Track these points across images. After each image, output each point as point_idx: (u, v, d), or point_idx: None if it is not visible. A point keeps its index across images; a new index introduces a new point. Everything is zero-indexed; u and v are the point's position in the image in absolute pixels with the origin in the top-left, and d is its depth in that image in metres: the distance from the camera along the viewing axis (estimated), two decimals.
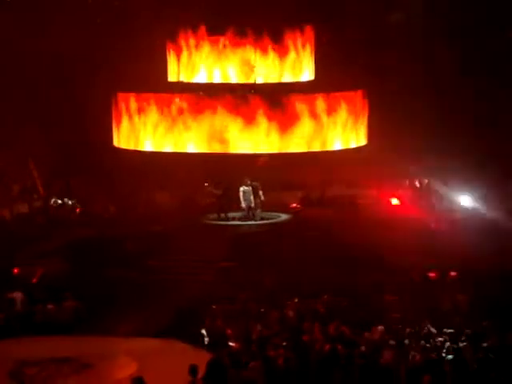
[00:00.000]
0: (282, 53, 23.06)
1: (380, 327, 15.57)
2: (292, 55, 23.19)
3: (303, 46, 23.36)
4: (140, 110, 22.42)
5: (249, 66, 22.58)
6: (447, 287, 18.30)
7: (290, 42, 23.08)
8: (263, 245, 21.79)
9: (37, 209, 25.83)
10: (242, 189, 23.75)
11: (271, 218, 24.20)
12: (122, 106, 22.89)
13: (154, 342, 16.88)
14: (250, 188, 23.81)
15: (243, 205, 23.83)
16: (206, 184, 24.57)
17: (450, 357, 13.97)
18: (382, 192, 26.24)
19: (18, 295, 18.48)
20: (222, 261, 21.00)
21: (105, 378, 15.05)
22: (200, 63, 23.06)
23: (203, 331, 16.43)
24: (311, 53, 23.82)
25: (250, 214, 23.92)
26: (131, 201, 26.15)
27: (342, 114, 22.51)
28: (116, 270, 20.58)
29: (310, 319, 16.38)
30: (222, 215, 24.23)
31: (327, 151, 22.65)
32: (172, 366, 14.95)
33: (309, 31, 23.60)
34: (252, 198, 23.75)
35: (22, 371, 15.38)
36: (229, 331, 16.17)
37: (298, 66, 23.47)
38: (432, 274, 19.05)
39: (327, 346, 14.60)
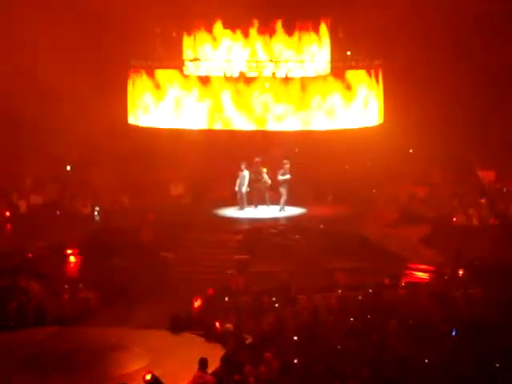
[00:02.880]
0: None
1: (393, 321, 15.53)
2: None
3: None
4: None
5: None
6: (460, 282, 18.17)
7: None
8: (277, 238, 21.77)
9: (51, 201, 25.86)
10: (240, 173, 23.21)
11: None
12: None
13: (166, 335, 16.89)
14: (246, 173, 23.41)
15: (237, 189, 23.37)
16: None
17: None
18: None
19: (33, 285, 18.59)
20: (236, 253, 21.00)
21: (117, 370, 15.06)
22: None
23: (216, 324, 16.45)
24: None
25: (242, 202, 23.44)
26: (144, 192, 26.07)
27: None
28: (129, 262, 20.61)
29: (324, 313, 16.39)
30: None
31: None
32: (184, 360, 14.96)
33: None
34: (245, 184, 23.23)
35: (36, 361, 15.48)
36: (242, 325, 16.17)
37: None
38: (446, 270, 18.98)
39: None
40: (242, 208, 23.74)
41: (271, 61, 22.08)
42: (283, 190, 23.43)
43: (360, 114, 22.73)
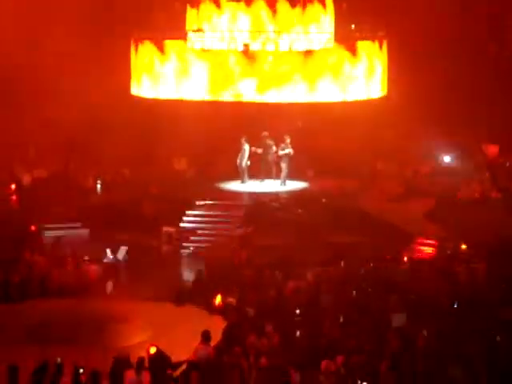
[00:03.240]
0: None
1: (393, 296, 15.59)
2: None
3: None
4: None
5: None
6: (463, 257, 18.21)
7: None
8: (279, 211, 21.81)
9: (55, 173, 25.81)
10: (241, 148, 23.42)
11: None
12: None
13: (169, 308, 16.97)
14: (246, 147, 23.46)
15: (238, 163, 23.55)
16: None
17: None
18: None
19: (39, 258, 18.68)
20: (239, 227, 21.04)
21: (120, 342, 15.14)
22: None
23: (219, 297, 16.51)
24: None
25: (243, 175, 23.66)
26: (147, 165, 26.01)
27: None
28: (133, 235, 20.66)
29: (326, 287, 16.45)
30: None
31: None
32: (187, 332, 15.03)
33: None
34: (246, 157, 23.40)
35: (40, 332, 15.58)
36: (244, 298, 16.23)
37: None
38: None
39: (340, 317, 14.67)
40: (243, 182, 23.87)
41: (275, 32, 21.92)
42: (284, 165, 23.48)
43: (365, 86, 22.68)
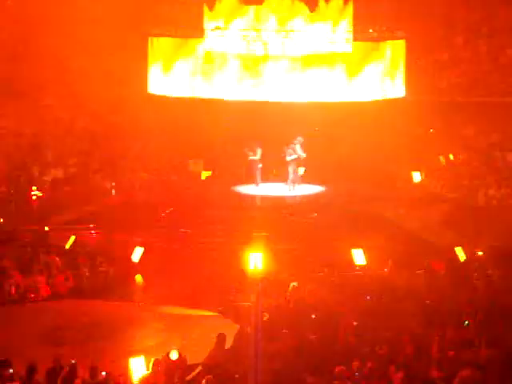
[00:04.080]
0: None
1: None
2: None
3: None
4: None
5: None
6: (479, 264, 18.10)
7: None
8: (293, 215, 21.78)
9: (72, 175, 25.90)
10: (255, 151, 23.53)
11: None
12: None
13: (184, 310, 16.98)
14: (259, 150, 23.41)
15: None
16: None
17: None
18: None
19: (52, 259, 18.73)
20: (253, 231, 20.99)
21: (135, 344, 15.16)
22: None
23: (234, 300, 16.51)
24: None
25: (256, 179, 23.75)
26: (163, 168, 26.07)
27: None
28: (148, 237, 20.68)
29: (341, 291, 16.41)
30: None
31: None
32: (202, 335, 15.04)
33: None
34: (258, 159, 23.50)
35: (54, 334, 15.62)
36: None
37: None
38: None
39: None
40: (257, 185, 23.92)
41: (294, 31, 21.88)
42: (290, 169, 23.41)
43: (384, 86, 22.63)
